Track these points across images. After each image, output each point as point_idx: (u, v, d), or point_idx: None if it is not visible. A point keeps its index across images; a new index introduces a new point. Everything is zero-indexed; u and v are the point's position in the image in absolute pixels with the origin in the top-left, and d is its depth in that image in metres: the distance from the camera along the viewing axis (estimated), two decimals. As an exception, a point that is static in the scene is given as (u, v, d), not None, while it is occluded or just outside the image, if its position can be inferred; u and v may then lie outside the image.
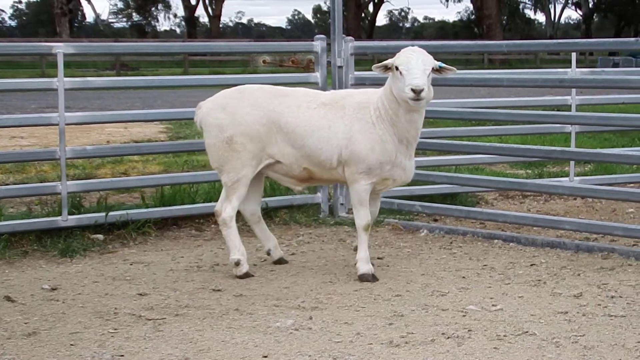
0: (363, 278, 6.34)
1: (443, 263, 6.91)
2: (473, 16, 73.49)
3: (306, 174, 6.56)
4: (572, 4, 79.55)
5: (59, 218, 7.55)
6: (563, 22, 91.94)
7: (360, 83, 8.47)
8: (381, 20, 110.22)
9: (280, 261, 6.93)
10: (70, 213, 7.60)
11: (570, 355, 4.74)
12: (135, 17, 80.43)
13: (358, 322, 5.36)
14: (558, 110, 10.47)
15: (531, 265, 6.80)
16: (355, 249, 6.67)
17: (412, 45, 6.31)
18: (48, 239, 7.42)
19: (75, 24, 71.28)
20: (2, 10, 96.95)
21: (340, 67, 8.56)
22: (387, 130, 6.25)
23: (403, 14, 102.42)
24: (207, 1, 66.66)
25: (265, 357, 4.75)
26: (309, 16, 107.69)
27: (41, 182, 9.44)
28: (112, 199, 8.73)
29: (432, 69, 6.09)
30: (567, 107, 9.44)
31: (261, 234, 6.98)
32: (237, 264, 6.51)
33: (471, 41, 13.90)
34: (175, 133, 14.96)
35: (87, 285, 6.30)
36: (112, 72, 36.24)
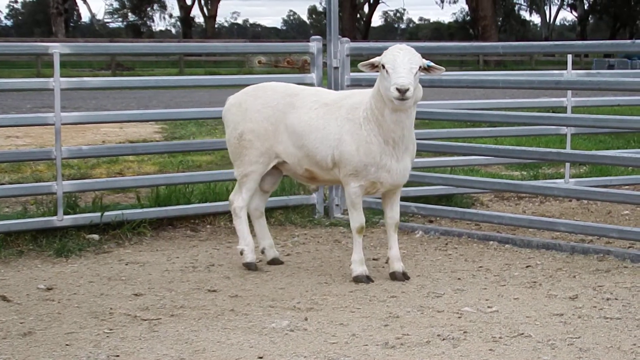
0: (357, 279, 6.35)
1: (438, 264, 6.92)
2: (468, 17, 73.42)
3: (308, 174, 6.60)
4: (568, 5, 79.63)
5: (54, 218, 7.54)
6: (558, 24, 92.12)
7: (356, 84, 8.46)
8: (376, 21, 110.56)
9: (274, 261, 6.94)
10: (65, 213, 7.59)
11: (566, 357, 4.75)
12: (131, 17, 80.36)
13: (353, 323, 5.36)
14: (553, 112, 10.48)
15: (527, 267, 6.81)
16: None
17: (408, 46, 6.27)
18: (43, 238, 7.41)
19: (71, 24, 71.11)
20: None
21: (336, 68, 8.56)
22: (372, 131, 6.16)
23: (398, 15, 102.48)
24: (202, 1, 66.62)
25: (261, 358, 4.75)
26: (305, 17, 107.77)
27: (37, 182, 9.44)
28: (107, 199, 8.72)
29: (420, 68, 5.98)
30: (563, 109, 9.46)
31: (259, 231, 7.02)
32: (241, 253, 6.77)
33: (467, 42, 13.89)
34: (171, 133, 14.94)
35: (83, 285, 6.30)
36: (108, 72, 36.18)
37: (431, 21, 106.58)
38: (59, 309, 5.69)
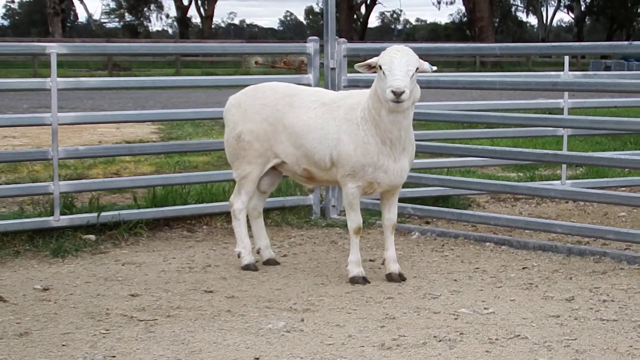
0: (354, 281, 6.35)
1: (435, 266, 6.92)
2: (465, 18, 73.54)
3: (307, 174, 6.60)
4: (564, 7, 79.76)
5: (51, 218, 7.54)
6: (555, 25, 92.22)
7: (353, 85, 8.46)
8: (373, 22, 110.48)
9: (269, 262, 6.94)
10: (62, 213, 7.59)
11: (562, 359, 4.75)
12: (128, 17, 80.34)
13: (350, 324, 5.36)
14: (550, 113, 10.48)
15: (523, 268, 6.81)
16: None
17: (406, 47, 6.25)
18: (40, 239, 7.41)
19: (68, 24, 71.12)
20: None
21: (333, 69, 8.57)
22: (369, 131, 6.15)
23: (395, 15, 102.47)
24: (199, 2, 66.65)
25: (257, 359, 4.75)
26: (301, 17, 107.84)
27: (33, 182, 9.44)
28: (104, 200, 8.72)
29: (417, 69, 5.96)
30: (560, 110, 9.46)
31: (256, 231, 7.03)
32: (239, 256, 6.79)
33: (464, 44, 13.90)
34: (167, 134, 14.94)
35: (79, 286, 6.29)
36: (104, 73, 36.17)
37: (428, 22, 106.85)
38: (55, 310, 5.69)
